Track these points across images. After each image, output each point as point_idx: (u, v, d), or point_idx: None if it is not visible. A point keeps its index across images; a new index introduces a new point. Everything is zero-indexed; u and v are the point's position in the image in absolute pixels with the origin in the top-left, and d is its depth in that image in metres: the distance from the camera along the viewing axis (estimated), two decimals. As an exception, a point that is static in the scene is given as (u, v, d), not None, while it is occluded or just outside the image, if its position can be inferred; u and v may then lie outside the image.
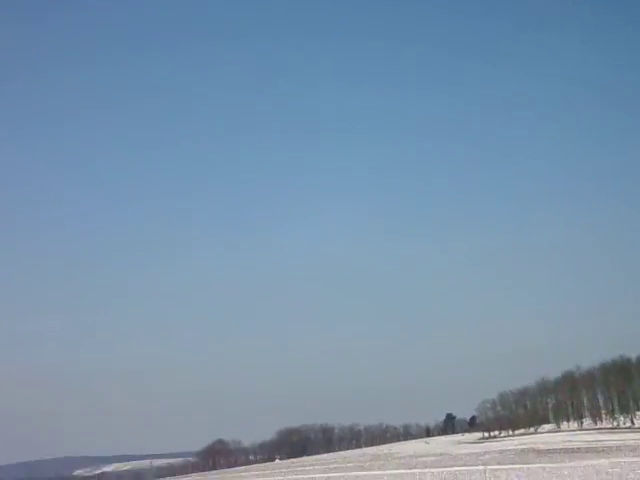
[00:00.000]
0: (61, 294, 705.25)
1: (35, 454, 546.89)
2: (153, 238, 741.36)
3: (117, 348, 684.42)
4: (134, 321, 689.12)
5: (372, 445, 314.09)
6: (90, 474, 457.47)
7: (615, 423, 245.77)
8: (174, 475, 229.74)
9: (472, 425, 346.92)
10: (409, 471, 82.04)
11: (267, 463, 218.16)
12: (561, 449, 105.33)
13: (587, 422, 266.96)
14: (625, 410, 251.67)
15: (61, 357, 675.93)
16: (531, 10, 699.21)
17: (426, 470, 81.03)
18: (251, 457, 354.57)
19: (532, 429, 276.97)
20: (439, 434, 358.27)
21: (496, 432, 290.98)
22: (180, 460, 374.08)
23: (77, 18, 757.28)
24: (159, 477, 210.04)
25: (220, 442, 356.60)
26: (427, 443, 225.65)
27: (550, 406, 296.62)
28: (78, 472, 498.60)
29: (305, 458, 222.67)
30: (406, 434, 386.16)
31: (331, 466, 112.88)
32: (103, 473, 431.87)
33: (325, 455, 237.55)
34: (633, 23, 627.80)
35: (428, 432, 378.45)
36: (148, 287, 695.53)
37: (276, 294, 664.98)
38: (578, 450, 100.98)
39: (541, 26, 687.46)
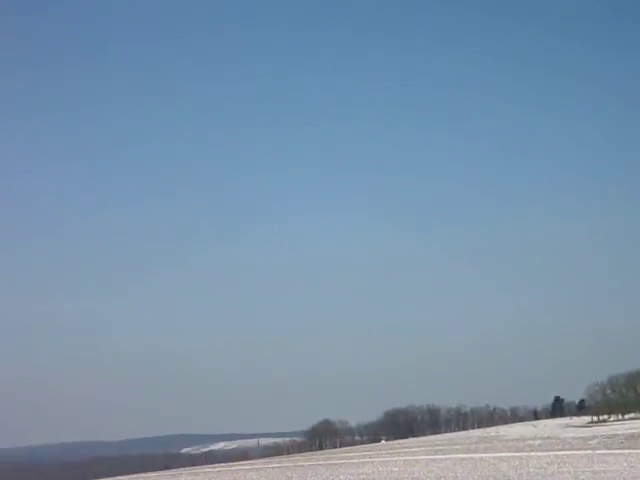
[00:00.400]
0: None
1: (144, 431, 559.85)
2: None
3: (226, 327, 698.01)
4: (245, 306, 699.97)
5: (479, 427, 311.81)
6: (197, 452, 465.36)
7: None
8: (280, 454, 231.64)
9: (581, 409, 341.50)
10: (515, 454, 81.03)
11: (372, 444, 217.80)
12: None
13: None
14: None
15: (170, 336, 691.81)
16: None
17: (532, 454, 79.91)
18: (357, 438, 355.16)
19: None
20: (547, 417, 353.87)
21: (605, 416, 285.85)
22: (287, 440, 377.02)
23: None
24: (264, 456, 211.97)
25: (326, 422, 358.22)
26: (534, 426, 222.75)
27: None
28: (186, 450, 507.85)
29: (411, 439, 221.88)
30: (513, 417, 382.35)
31: (436, 448, 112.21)
32: (210, 451, 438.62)
33: (431, 437, 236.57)
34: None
35: (536, 415, 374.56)
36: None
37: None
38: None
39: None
